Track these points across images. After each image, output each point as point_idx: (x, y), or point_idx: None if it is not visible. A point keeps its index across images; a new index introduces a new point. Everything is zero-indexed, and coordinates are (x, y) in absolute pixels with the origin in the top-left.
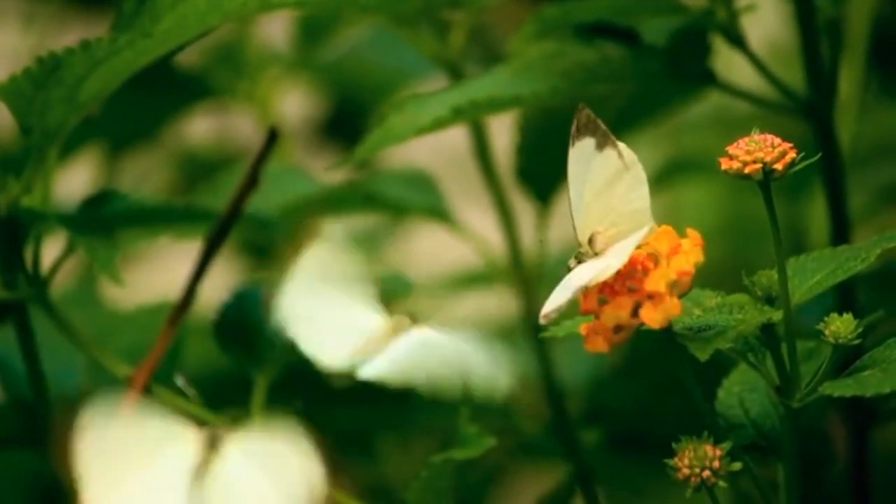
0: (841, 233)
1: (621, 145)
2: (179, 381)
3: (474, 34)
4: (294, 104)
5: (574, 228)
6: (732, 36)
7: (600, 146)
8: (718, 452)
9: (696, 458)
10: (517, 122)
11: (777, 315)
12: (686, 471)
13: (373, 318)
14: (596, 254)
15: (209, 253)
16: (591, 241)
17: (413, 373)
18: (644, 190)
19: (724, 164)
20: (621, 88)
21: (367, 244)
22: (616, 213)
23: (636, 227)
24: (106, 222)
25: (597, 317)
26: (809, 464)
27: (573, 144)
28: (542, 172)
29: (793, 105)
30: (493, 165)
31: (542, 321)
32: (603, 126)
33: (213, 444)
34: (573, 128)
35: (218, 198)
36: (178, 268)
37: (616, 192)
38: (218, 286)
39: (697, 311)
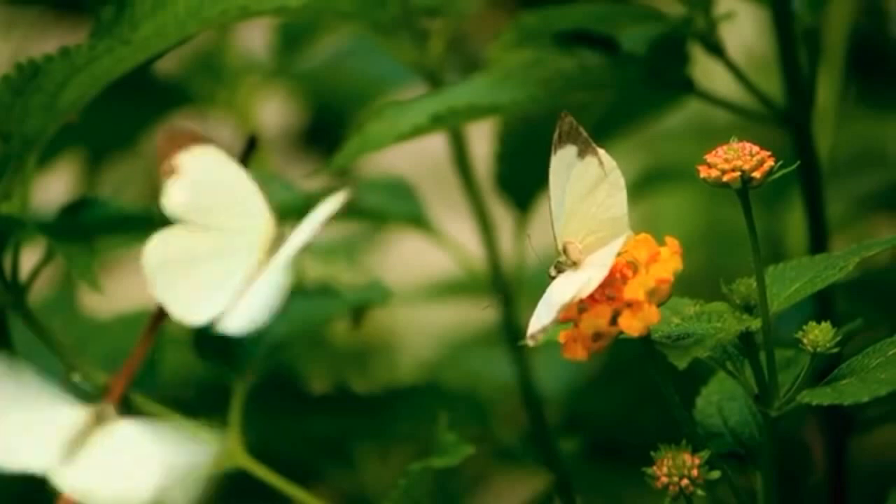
0: (819, 241)
1: (601, 152)
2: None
3: (453, 42)
4: (273, 112)
5: (555, 236)
6: (711, 44)
7: (582, 154)
8: (697, 461)
9: (675, 467)
10: (496, 130)
11: (755, 323)
12: (665, 479)
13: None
14: (573, 263)
15: None
16: (565, 250)
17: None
18: (622, 197)
19: (703, 172)
20: (600, 96)
21: (346, 252)
22: (595, 221)
23: (614, 234)
24: (85, 229)
25: (575, 325)
26: (788, 472)
27: (555, 152)
28: (521, 180)
29: (771, 114)
30: (473, 173)
31: (528, 342)
32: (585, 133)
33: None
34: (555, 135)
35: None
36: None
37: (596, 199)
38: None
39: (676, 320)
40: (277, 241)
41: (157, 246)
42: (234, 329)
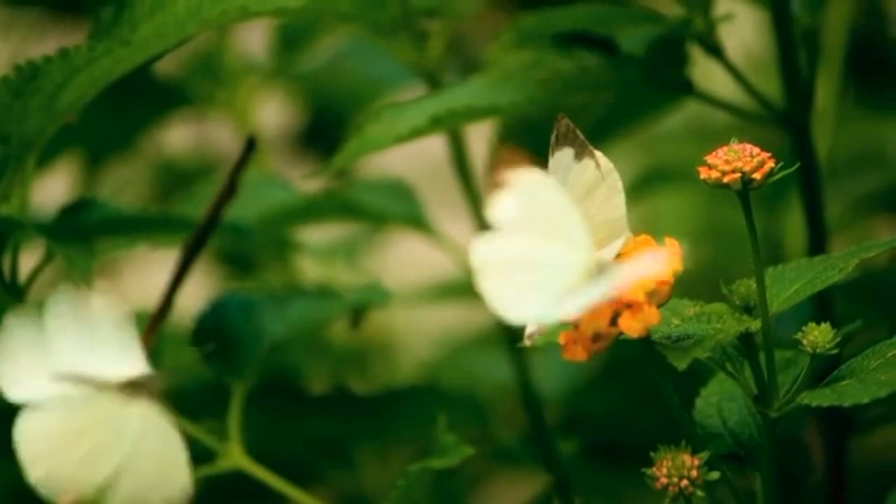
0: (818, 242)
1: (598, 154)
2: None
3: (452, 43)
4: (272, 113)
5: None
6: (710, 46)
7: (579, 156)
8: (696, 462)
9: (674, 468)
10: (495, 131)
11: (755, 324)
12: (664, 480)
13: None
14: None
15: (187, 262)
16: None
17: None
18: (620, 199)
19: (703, 173)
20: (599, 98)
21: (346, 253)
22: (594, 223)
23: (613, 236)
24: (84, 231)
25: (575, 326)
26: (787, 473)
27: (553, 154)
28: None
29: (770, 115)
30: (472, 174)
31: (526, 343)
32: (581, 136)
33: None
34: (553, 138)
35: (196, 206)
36: (155, 276)
37: (594, 201)
38: (195, 295)
39: (676, 321)
40: (593, 269)
41: (486, 245)
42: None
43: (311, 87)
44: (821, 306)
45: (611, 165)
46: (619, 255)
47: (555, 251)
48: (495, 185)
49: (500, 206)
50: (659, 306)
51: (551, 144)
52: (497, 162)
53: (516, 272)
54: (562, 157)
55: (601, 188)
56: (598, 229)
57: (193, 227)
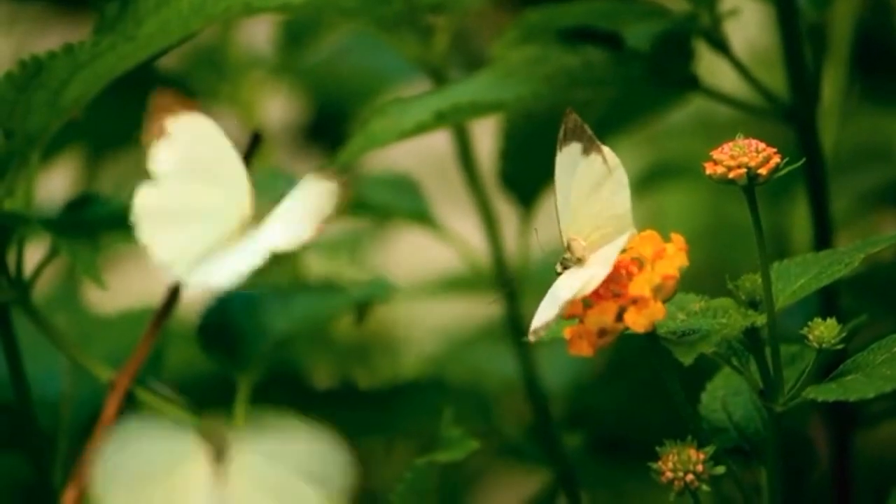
0: (824, 237)
1: (605, 149)
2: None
3: (457, 38)
4: (277, 108)
5: (561, 234)
6: (716, 41)
7: (586, 151)
8: (702, 456)
9: (680, 462)
10: (500, 126)
11: (761, 319)
12: (670, 474)
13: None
14: (578, 259)
15: None
16: (569, 247)
17: None
18: (625, 194)
19: (709, 168)
20: (604, 93)
21: (350, 248)
22: (600, 218)
23: (618, 231)
24: (89, 226)
25: (581, 321)
26: (792, 467)
27: (560, 150)
28: (525, 177)
29: (776, 110)
30: (477, 170)
31: (531, 338)
32: (589, 131)
33: (219, 455)
34: (560, 133)
35: None
36: (160, 272)
37: (601, 196)
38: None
39: (681, 316)
40: (256, 216)
41: (144, 196)
42: (202, 285)
43: (316, 82)
44: (826, 301)
45: (617, 160)
46: (624, 251)
47: (213, 200)
48: (155, 132)
49: (159, 154)
50: (665, 301)
51: (559, 139)
52: (156, 108)
53: (173, 222)
54: (569, 151)
55: (608, 183)
56: (605, 224)
57: None
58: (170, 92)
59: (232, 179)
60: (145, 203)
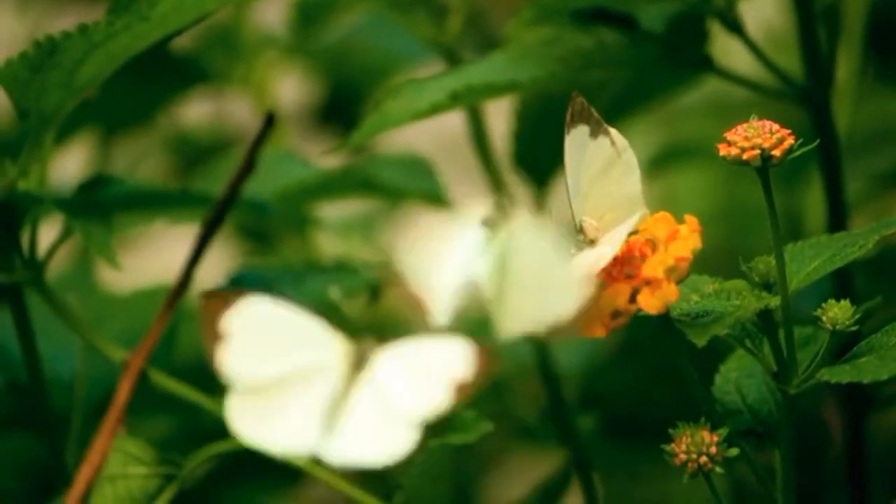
0: (838, 219)
1: (613, 131)
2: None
3: (471, 19)
4: (290, 88)
5: (572, 216)
6: (730, 22)
7: (594, 133)
8: (715, 438)
9: (693, 444)
10: (514, 107)
11: (774, 301)
12: (683, 456)
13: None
14: (591, 241)
15: (205, 237)
16: (580, 229)
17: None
18: (636, 176)
19: (723, 150)
20: (618, 74)
21: (364, 229)
22: (611, 199)
23: (630, 212)
24: (102, 206)
25: (594, 302)
26: (806, 450)
27: (568, 132)
28: (539, 157)
29: (790, 91)
30: (490, 150)
31: None
32: (596, 114)
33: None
34: (568, 116)
35: (214, 182)
36: (174, 252)
37: (611, 178)
38: (214, 270)
39: (695, 297)
40: (356, 363)
41: (236, 404)
42: (351, 460)
43: (330, 63)
44: (840, 283)
45: (626, 142)
46: (637, 232)
47: (305, 365)
48: (212, 339)
49: (226, 358)
50: (678, 283)
51: (566, 122)
52: (207, 314)
53: (277, 411)
54: (578, 134)
55: (618, 165)
56: (617, 205)
57: (212, 203)
58: (214, 293)
59: (314, 337)
60: (238, 407)
